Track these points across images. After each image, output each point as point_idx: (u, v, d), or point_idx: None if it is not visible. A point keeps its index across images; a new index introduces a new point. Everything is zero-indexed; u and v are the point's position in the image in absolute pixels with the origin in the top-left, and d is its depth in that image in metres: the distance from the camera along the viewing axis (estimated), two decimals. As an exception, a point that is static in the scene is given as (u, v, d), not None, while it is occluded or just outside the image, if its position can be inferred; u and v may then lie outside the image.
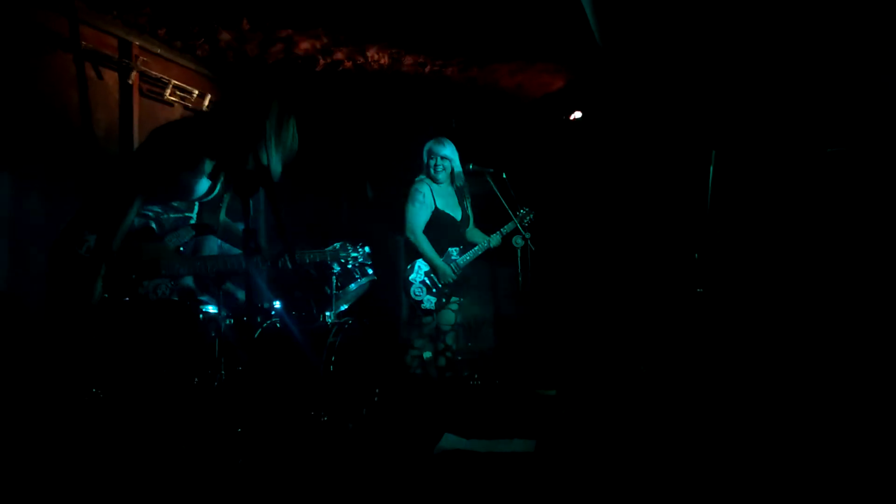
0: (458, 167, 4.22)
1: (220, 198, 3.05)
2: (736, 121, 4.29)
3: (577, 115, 5.00)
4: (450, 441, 3.09)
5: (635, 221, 4.76)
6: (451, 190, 4.27)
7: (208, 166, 2.86)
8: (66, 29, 3.60)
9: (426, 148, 4.22)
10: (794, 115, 4.18)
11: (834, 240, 3.85)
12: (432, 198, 4.17)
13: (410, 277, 4.10)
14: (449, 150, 4.19)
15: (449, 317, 4.13)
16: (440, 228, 4.16)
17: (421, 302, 4.07)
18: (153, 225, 2.83)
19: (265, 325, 3.33)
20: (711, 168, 3.82)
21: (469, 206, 4.35)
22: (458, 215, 4.24)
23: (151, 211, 2.91)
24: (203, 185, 2.89)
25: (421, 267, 4.11)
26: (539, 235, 4.18)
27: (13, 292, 3.10)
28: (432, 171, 4.17)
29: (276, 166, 2.90)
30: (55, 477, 2.31)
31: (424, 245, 4.10)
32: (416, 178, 4.23)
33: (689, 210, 4.07)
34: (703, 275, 3.88)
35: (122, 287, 2.73)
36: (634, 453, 2.81)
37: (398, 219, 4.26)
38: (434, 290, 4.07)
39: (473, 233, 4.37)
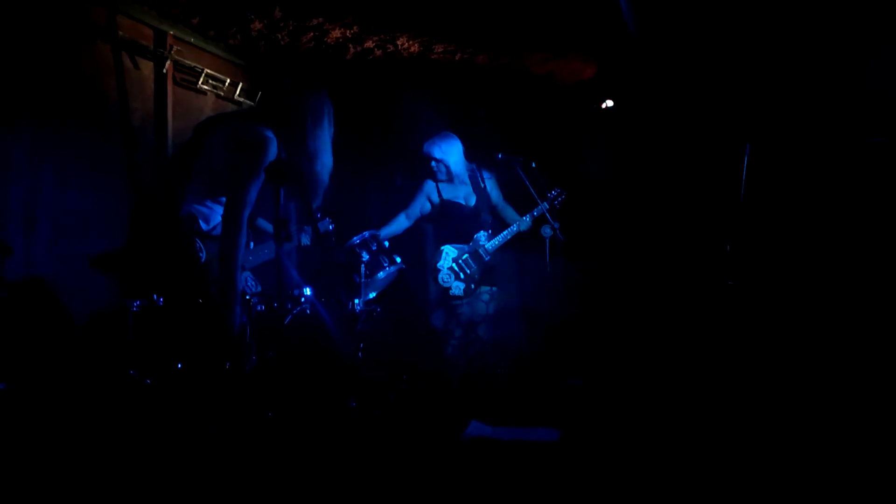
0: (455, 164, 4.19)
1: None
2: (772, 112, 4.19)
3: (609, 103, 4.95)
4: (476, 428, 3.12)
5: (666, 213, 4.70)
6: (464, 179, 4.27)
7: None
8: (105, 19, 3.66)
9: (423, 151, 4.23)
10: (833, 105, 4.07)
11: (875, 235, 3.75)
12: (437, 192, 4.23)
13: (438, 264, 4.12)
14: (440, 152, 4.16)
15: (481, 308, 4.15)
16: (451, 218, 4.19)
17: (449, 288, 4.09)
18: (201, 222, 2.83)
19: (295, 311, 3.38)
20: (745, 160, 3.75)
21: (492, 186, 4.33)
22: (472, 202, 4.24)
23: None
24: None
25: (448, 254, 4.12)
26: (568, 225, 4.15)
27: (52, 279, 3.18)
28: (431, 171, 4.22)
29: (328, 159, 2.92)
30: (82, 460, 2.39)
31: (391, 224, 4.18)
32: (424, 178, 4.30)
33: (722, 202, 4.00)
34: (734, 268, 3.82)
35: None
36: (657, 445, 2.80)
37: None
38: (462, 276, 4.09)
39: (506, 210, 4.37)
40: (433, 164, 4.18)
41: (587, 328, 4.43)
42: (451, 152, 4.17)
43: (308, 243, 3.52)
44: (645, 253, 4.72)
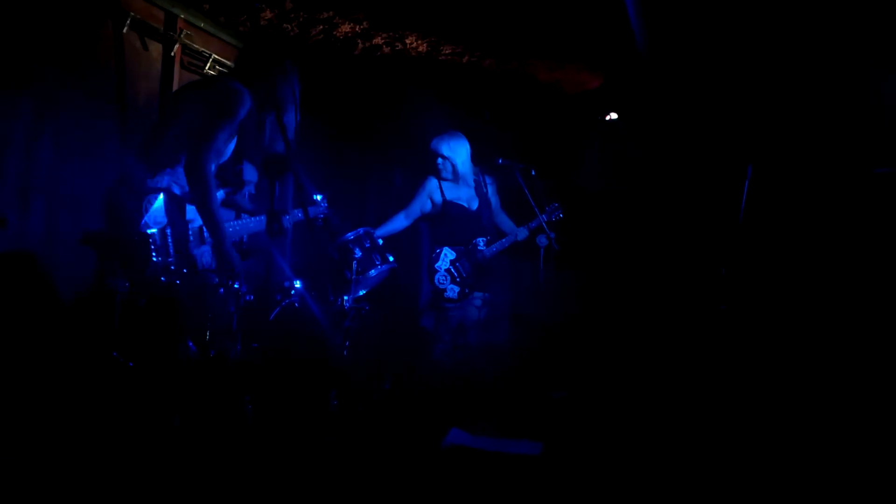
0: (462, 164, 4.16)
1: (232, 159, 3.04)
2: (777, 134, 4.18)
3: (613, 116, 4.94)
4: (456, 436, 3.10)
5: (663, 229, 4.69)
6: (469, 182, 4.24)
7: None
8: (116, -2, 3.66)
9: (430, 147, 4.20)
10: (840, 132, 4.05)
11: (875, 266, 3.73)
12: (440, 191, 4.19)
13: (436, 265, 4.10)
14: (448, 149, 4.14)
15: (472, 313, 4.13)
16: (452, 220, 4.16)
17: (444, 290, 4.07)
18: (175, 189, 2.74)
19: (284, 303, 3.37)
20: (747, 182, 3.73)
21: (493, 192, 4.32)
22: (474, 206, 4.20)
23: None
24: (230, 148, 2.87)
25: (447, 255, 4.10)
26: (564, 234, 4.14)
27: (47, 255, 3.17)
28: (436, 168, 4.18)
29: (291, 117, 2.94)
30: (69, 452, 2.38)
31: (389, 222, 4.17)
32: (427, 174, 4.25)
33: (720, 223, 3.99)
34: (728, 291, 3.80)
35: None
36: (642, 460, 2.79)
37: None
38: (458, 280, 4.07)
39: (501, 218, 4.35)
40: (439, 160, 4.15)
41: (577, 339, 4.42)
42: (459, 151, 4.15)
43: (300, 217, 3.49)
44: (639, 268, 4.71)
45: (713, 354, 3.76)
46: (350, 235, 3.67)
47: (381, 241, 3.77)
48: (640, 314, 4.52)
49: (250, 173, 3.21)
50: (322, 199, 3.45)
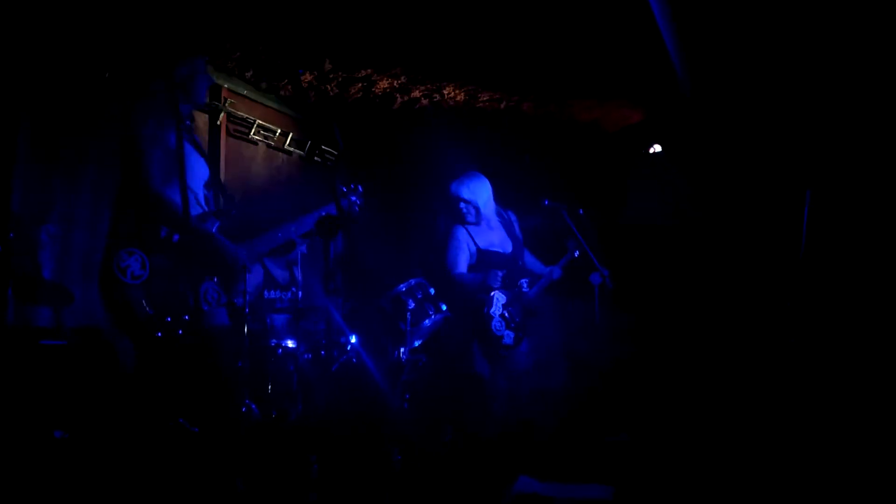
0: (485, 205, 3.95)
1: None
2: (834, 158, 4.02)
3: (657, 148, 4.89)
4: (525, 484, 3.02)
5: (721, 263, 4.56)
6: (494, 224, 4.06)
7: None
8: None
9: (449, 192, 3.96)
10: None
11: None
12: (471, 239, 3.95)
13: (491, 311, 3.87)
14: (468, 192, 3.91)
15: (522, 360, 4.03)
16: (491, 266, 3.93)
17: (502, 338, 3.88)
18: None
19: (342, 359, 3.39)
20: (806, 209, 3.58)
21: (518, 230, 4.16)
22: (508, 248, 4.04)
23: None
24: None
25: (499, 300, 3.91)
26: (617, 274, 4.06)
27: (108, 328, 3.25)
28: (460, 215, 3.97)
29: None
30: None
31: (466, 278, 3.88)
32: (453, 225, 4.02)
33: (781, 253, 3.84)
34: (796, 324, 3.64)
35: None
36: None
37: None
38: (513, 325, 3.95)
39: (527, 257, 4.19)
40: (462, 205, 3.93)
41: (637, 380, 4.30)
42: (480, 193, 3.95)
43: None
44: (698, 305, 4.58)
45: (783, 390, 3.60)
46: (402, 287, 3.67)
47: (432, 291, 3.76)
48: (702, 351, 4.38)
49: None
50: (358, 188, 3.31)
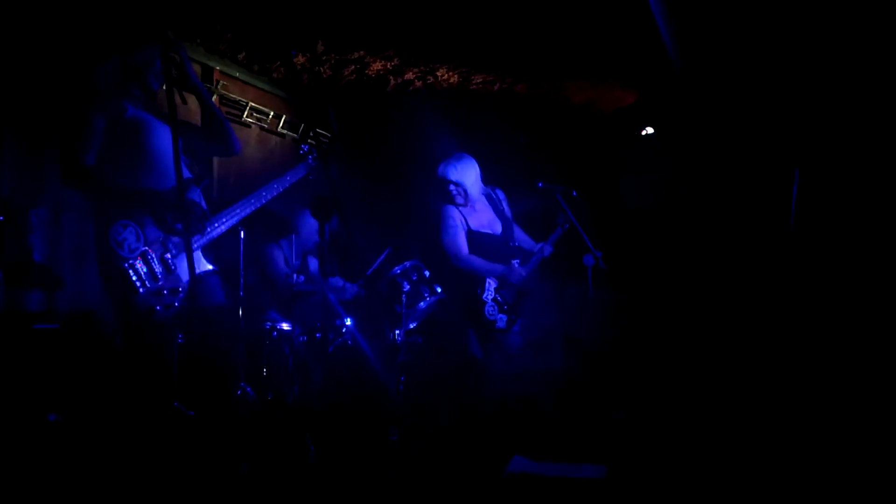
0: (472, 186, 3.93)
1: None
2: (823, 135, 4.03)
3: (649, 130, 4.89)
4: (519, 463, 3.05)
5: (710, 241, 4.58)
6: (482, 205, 4.04)
7: None
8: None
9: (437, 172, 3.95)
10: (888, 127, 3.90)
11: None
12: (463, 220, 3.93)
13: (483, 296, 3.91)
14: (456, 174, 3.89)
15: (515, 340, 4.05)
16: (483, 248, 3.94)
17: (495, 322, 3.90)
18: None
19: (337, 341, 3.39)
20: (795, 187, 3.59)
21: (507, 207, 4.15)
22: (498, 229, 4.03)
23: None
24: None
25: (490, 284, 3.92)
26: (610, 254, 4.07)
27: (101, 310, 3.24)
28: (450, 196, 3.94)
29: None
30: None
31: (475, 263, 3.87)
32: (442, 204, 4.00)
33: (772, 231, 3.86)
34: (786, 302, 3.66)
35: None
36: (707, 479, 2.70)
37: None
38: (505, 308, 3.97)
39: (518, 234, 4.17)
40: (451, 187, 3.90)
41: (631, 358, 4.33)
42: (467, 174, 3.91)
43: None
44: (691, 283, 4.60)
45: (777, 365, 3.63)
46: (397, 269, 3.68)
47: (427, 273, 3.77)
48: (697, 329, 4.41)
49: None
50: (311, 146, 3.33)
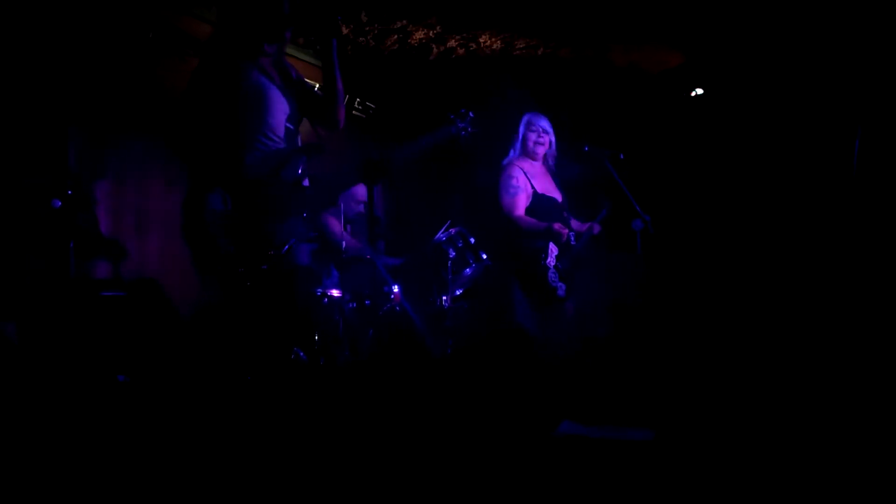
0: (552, 144, 3.87)
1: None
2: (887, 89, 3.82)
3: (699, 91, 4.76)
4: (568, 427, 3.08)
5: (767, 204, 4.44)
6: (545, 170, 3.95)
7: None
8: (207, 34, 3.86)
9: (524, 120, 3.84)
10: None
11: None
12: (528, 181, 3.78)
13: (547, 262, 3.74)
14: (548, 124, 3.82)
15: (570, 307, 4.01)
16: (544, 214, 3.82)
17: (556, 290, 3.78)
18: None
19: (385, 307, 3.47)
20: (857, 142, 3.42)
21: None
22: (558, 197, 3.93)
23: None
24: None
25: (552, 251, 3.78)
26: (659, 219, 4.00)
27: (163, 279, 3.38)
28: (531, 144, 3.81)
29: None
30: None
31: (525, 223, 3.71)
32: (504, 162, 3.86)
33: (833, 192, 3.68)
34: (847, 271, 3.50)
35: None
36: (755, 445, 2.67)
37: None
38: (564, 277, 3.90)
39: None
40: (539, 134, 3.79)
41: (681, 324, 4.28)
42: (551, 130, 3.86)
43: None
44: (741, 247, 4.50)
45: (836, 334, 3.52)
46: (442, 236, 3.71)
47: (472, 240, 3.78)
48: (748, 297, 4.32)
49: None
50: (469, 114, 3.15)
